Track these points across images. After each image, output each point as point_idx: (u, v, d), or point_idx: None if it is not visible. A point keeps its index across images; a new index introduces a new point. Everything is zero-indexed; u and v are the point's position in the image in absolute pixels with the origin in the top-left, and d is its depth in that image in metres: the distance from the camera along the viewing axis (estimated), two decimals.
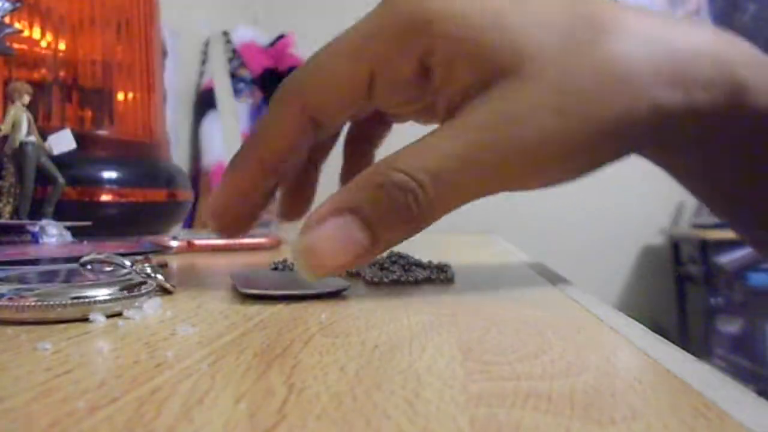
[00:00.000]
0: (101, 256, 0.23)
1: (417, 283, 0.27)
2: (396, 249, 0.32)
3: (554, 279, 0.29)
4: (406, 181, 0.19)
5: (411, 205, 0.20)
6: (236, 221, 0.26)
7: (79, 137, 0.42)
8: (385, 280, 0.27)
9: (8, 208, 0.39)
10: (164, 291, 0.22)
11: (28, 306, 0.17)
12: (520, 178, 0.21)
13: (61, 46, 0.47)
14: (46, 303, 0.17)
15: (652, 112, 0.20)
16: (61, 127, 0.43)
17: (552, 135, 0.20)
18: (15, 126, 0.39)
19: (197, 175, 1.55)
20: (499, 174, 0.20)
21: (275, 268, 0.30)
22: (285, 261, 0.31)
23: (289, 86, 0.24)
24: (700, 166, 0.26)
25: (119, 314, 0.19)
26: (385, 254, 0.31)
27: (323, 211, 0.20)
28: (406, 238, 0.21)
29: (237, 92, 1.63)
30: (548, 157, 0.20)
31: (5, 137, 0.39)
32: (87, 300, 0.18)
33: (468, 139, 0.20)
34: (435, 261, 0.30)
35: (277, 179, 0.25)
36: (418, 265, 0.29)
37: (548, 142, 0.20)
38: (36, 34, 0.46)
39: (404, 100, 0.25)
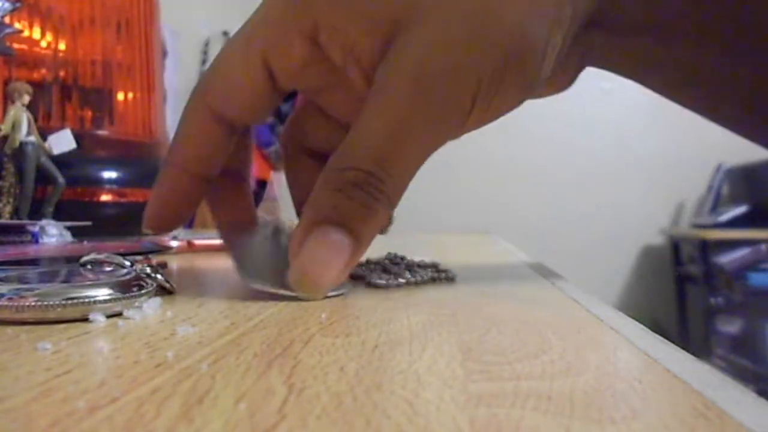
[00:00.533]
0: (101, 256, 0.23)
1: (417, 283, 0.27)
2: (396, 249, 0.32)
3: (554, 279, 0.29)
4: (357, 176, 0.19)
5: (373, 194, 0.19)
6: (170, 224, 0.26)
7: (79, 137, 0.42)
8: (392, 284, 0.26)
9: (8, 208, 0.38)
10: (164, 291, 0.22)
11: (28, 306, 0.17)
12: (461, 124, 0.21)
13: (61, 46, 0.47)
14: (45, 303, 0.17)
15: (559, 6, 0.20)
16: (61, 127, 0.43)
17: (469, 70, 0.19)
18: (15, 126, 0.39)
19: None
20: (437, 129, 0.20)
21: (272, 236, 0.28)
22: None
23: (195, 90, 0.23)
24: (654, 53, 0.25)
25: (119, 314, 0.19)
26: (384, 255, 0.31)
27: (299, 233, 0.20)
28: (384, 221, 0.21)
29: None
30: (475, 95, 0.20)
31: (5, 137, 0.39)
32: (87, 300, 0.18)
33: (392, 109, 0.20)
34: (435, 261, 0.30)
35: (206, 184, 0.24)
36: (419, 265, 0.29)
37: (467, 78, 0.19)
38: (36, 34, 0.46)
39: (317, 84, 0.24)
